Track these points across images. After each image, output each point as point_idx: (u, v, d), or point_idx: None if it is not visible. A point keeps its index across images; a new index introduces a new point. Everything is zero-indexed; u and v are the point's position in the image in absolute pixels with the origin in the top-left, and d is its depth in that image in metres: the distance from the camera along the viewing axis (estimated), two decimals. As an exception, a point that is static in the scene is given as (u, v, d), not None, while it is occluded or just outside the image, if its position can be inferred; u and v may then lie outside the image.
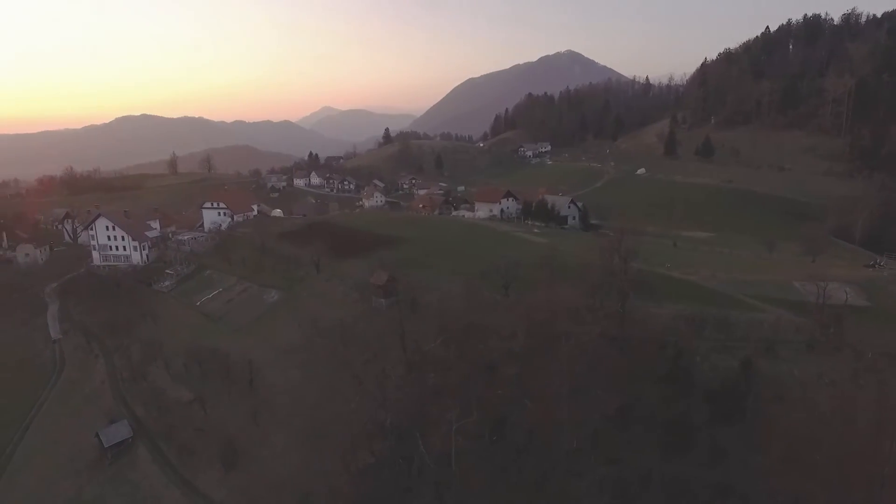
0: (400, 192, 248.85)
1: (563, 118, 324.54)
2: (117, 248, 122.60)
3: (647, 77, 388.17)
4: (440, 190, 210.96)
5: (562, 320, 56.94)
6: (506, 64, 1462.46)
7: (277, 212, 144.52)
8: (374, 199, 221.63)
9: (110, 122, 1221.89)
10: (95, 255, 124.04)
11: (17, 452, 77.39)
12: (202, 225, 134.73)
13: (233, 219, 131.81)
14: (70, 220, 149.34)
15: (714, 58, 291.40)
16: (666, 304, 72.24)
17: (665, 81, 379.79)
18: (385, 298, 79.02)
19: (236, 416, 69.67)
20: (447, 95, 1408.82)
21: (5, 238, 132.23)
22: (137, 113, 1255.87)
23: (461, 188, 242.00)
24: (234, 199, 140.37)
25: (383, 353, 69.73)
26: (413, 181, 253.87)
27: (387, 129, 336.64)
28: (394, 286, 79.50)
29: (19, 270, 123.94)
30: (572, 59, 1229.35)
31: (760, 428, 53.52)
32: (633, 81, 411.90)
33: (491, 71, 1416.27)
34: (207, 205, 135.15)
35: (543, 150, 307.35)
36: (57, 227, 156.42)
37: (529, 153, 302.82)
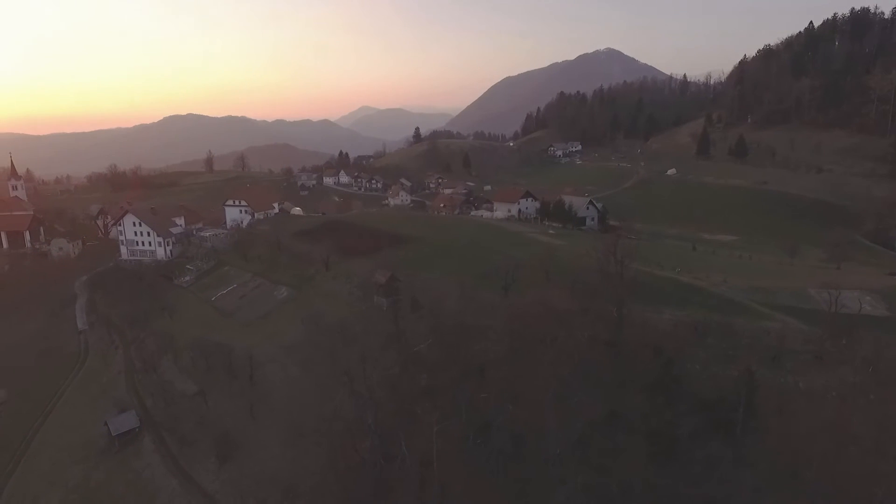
0: (426, 191, 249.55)
1: (595, 117, 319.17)
2: (143, 243, 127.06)
3: (684, 75, 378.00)
4: (465, 189, 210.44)
5: (549, 324, 55.96)
6: (543, 62, 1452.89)
7: (297, 210, 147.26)
8: (399, 198, 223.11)
9: (159, 122, 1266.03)
10: (123, 249, 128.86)
11: (37, 437, 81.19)
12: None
13: (253, 216, 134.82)
14: (103, 216, 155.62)
15: (754, 55, 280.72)
16: (668, 309, 70.35)
17: (704, 80, 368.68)
18: (386, 298, 79.33)
19: (235, 409, 71.23)
20: (484, 94, 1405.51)
21: (42, 232, 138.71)
22: (184, 112, 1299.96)
23: (488, 187, 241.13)
24: (256, 197, 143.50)
25: (380, 353, 70.20)
26: (440, 180, 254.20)
27: (417, 129, 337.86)
28: (395, 285, 79.85)
29: (53, 263, 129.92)
30: (612, 58, 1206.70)
31: (754, 441, 51.70)
32: (670, 79, 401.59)
33: (528, 69, 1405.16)
34: (230, 202, 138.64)
35: (574, 149, 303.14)
36: (93, 222, 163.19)
37: (559, 153, 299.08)
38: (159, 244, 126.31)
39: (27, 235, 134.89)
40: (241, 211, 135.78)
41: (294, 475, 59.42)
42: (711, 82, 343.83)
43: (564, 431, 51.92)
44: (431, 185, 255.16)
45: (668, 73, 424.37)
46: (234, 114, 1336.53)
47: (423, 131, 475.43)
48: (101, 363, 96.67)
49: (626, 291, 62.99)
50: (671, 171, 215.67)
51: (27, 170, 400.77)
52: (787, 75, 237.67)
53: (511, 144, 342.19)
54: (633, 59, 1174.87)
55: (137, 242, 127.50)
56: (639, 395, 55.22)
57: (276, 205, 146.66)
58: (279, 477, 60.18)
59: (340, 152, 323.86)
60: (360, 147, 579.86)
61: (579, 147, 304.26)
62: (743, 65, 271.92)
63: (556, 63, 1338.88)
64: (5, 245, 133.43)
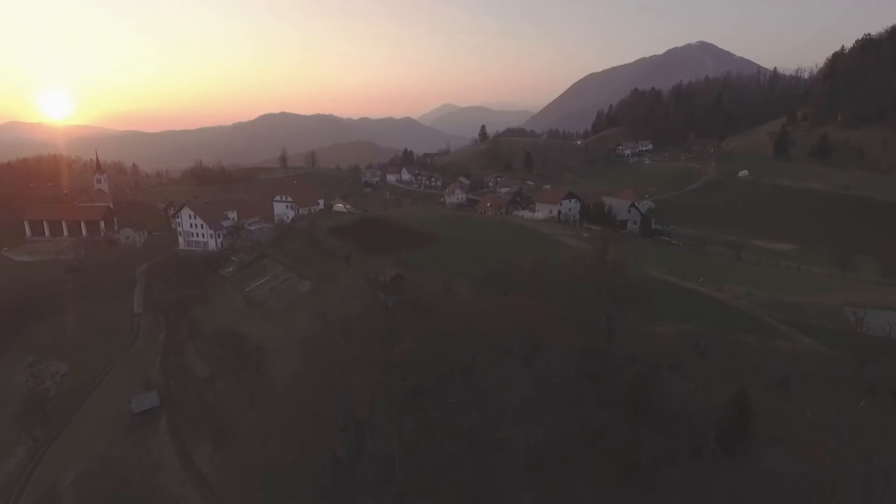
0: (485, 189, 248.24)
1: (669, 115, 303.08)
2: (197, 234, 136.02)
3: (774, 68, 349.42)
4: (515, 189, 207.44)
5: (520, 331, 54.26)
6: (630, 57, 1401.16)
7: (339, 206, 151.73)
8: (454, 196, 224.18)
9: (254, 120, 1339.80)
10: (181, 240, 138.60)
11: (81, 408, 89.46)
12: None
13: (297, 211, 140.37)
14: (171, 208, 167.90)
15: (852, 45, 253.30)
16: (672, 321, 65.95)
17: (796, 73, 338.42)
18: (390, 296, 80.00)
19: (238, 397, 74.56)
20: (566, 91, 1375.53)
21: (116, 223, 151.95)
22: (277, 111, 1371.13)
23: (547, 186, 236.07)
24: (301, 193, 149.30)
25: (374, 350, 70.97)
26: (498, 179, 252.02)
27: (483, 127, 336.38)
28: (400, 284, 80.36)
29: (121, 251, 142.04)
30: (704, 51, 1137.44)
31: (733, 472, 47.59)
32: (758, 73, 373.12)
33: (614, 65, 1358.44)
34: (277, 198, 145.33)
35: (644, 148, 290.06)
36: (163, 214, 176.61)
37: (628, 152, 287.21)
38: (211, 236, 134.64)
39: (102, 225, 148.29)
40: (286, 206, 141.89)
41: (274, 465, 61.42)
42: (806, 76, 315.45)
43: (524, 445, 50.25)
44: (490, 184, 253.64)
45: (768, 67, 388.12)
46: (322, 112, 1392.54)
47: (502, 129, 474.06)
48: (146, 345, 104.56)
49: (615, 300, 59.81)
50: (743, 173, 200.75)
51: (133, 164, 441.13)
52: (888, 68, 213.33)
53: (579, 143, 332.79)
54: (727, 53, 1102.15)
55: (192, 234, 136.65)
56: (611, 412, 52.24)
57: (320, 201, 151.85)
58: (262, 465, 62.40)
59: (405, 150, 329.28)
60: (440, 145, 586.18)
61: (650, 146, 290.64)
62: (836, 57, 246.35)
63: (644, 58, 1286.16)
64: (84, 233, 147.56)
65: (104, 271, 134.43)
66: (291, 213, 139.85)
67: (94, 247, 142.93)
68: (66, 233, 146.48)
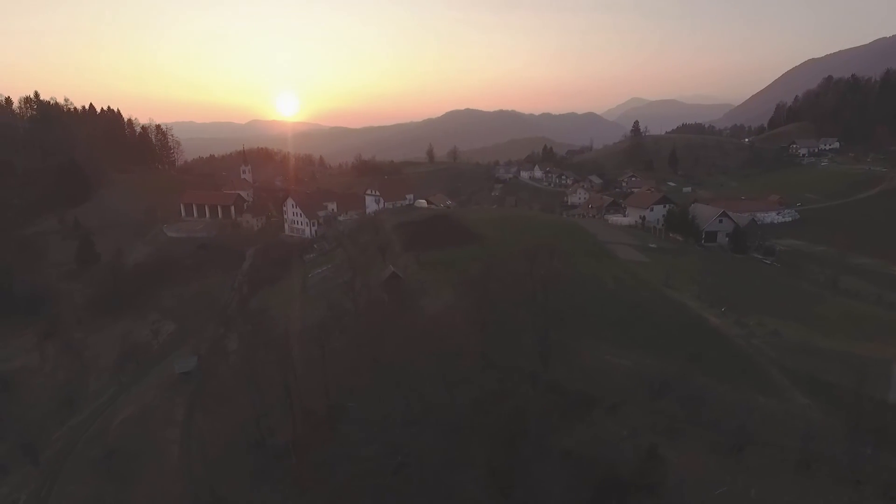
0: (617, 189, 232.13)
1: (866, 108, 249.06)
2: (298, 223, 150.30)
3: None
4: (629, 190, 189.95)
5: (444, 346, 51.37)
6: (863, 38, 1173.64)
7: (421, 202, 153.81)
8: (577, 196, 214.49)
9: (441, 116, 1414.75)
10: (286, 226, 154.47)
11: (158, 365, 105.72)
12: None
13: (381, 205, 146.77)
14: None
15: None
16: (636, 354, 55.93)
17: None
18: (388, 294, 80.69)
19: (239, 373, 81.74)
20: (775, 81, 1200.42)
21: (245, 208, 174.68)
22: (463, 108, 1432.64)
23: (687, 189, 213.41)
24: (390, 188, 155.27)
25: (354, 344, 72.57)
26: (632, 178, 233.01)
27: (636, 123, 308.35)
28: (397, 283, 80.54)
29: (241, 233, 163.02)
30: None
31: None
32: None
33: (841, 48, 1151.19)
34: (368, 192, 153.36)
35: (827, 147, 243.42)
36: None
37: (803, 151, 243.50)
38: (307, 224, 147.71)
39: (233, 209, 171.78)
40: (374, 200, 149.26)
41: (227, 439, 66.79)
42: None
43: (387, 462, 47.73)
44: (623, 184, 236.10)
45: None
46: (504, 108, 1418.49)
47: (689, 123, 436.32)
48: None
49: (548, 323, 53.03)
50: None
51: (320, 157, 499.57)
52: None
53: (746, 141, 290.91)
54: None
55: (294, 221, 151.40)
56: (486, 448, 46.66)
57: (409, 196, 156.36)
58: (219, 436, 68.22)
59: (544, 147, 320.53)
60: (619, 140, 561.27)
61: (836, 145, 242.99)
62: None
63: (884, 38, 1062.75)
64: (220, 215, 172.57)
65: (224, 250, 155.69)
66: (375, 207, 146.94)
67: (223, 228, 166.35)
68: (207, 215, 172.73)
